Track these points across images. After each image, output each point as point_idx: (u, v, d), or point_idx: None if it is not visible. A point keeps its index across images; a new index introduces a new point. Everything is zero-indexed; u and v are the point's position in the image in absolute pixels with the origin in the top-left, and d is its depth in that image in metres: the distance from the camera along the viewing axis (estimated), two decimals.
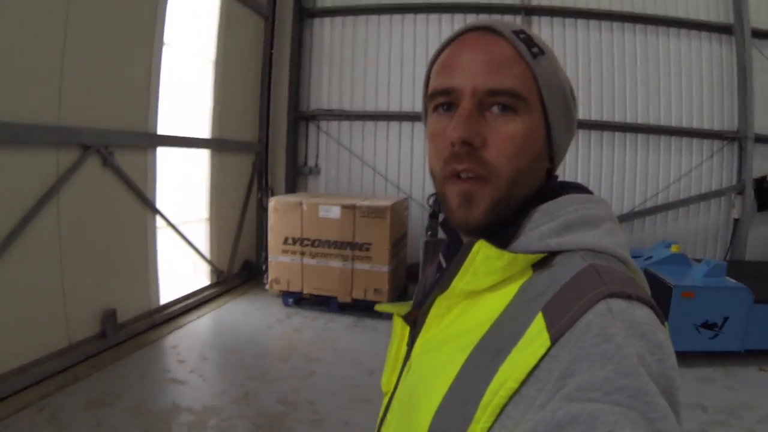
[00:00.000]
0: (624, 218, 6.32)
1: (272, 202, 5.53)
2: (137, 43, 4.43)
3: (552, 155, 0.65)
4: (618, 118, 6.34)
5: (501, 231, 0.61)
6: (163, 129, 4.88)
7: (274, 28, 6.93)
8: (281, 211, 5.41)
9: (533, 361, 0.48)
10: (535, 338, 0.49)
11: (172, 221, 5.13)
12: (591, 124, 6.32)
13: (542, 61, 0.61)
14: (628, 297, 0.50)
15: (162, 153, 4.91)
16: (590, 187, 0.77)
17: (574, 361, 0.46)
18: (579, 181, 0.78)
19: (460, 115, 0.60)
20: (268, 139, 7.11)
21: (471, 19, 5.39)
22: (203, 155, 5.91)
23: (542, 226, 0.59)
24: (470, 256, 0.57)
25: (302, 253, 5.33)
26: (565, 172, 6.37)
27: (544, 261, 0.58)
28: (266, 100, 7.02)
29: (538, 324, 0.50)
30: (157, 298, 4.97)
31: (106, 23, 4.01)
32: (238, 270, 6.54)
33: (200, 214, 5.89)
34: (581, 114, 6.19)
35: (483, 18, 0.82)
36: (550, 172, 0.67)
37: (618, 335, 0.46)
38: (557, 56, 0.65)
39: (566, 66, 6.04)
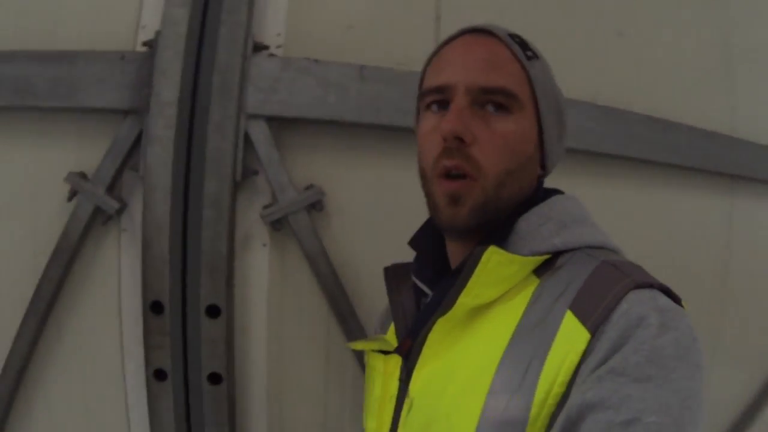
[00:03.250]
0: None
1: None
2: None
3: (543, 162, 0.63)
4: None
5: (494, 236, 0.58)
6: None
7: None
8: None
9: (576, 359, 0.47)
10: (572, 336, 0.48)
11: None
12: None
13: (536, 65, 0.61)
14: (650, 286, 0.50)
15: None
16: None
17: (611, 349, 0.45)
18: None
19: (453, 109, 0.58)
20: None
21: None
22: None
23: (541, 228, 0.57)
24: (481, 264, 0.52)
25: None
26: None
27: (547, 264, 0.56)
28: None
29: (570, 322, 0.49)
30: None
31: None
32: None
33: None
34: None
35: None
36: (540, 180, 0.65)
37: (654, 325, 0.46)
38: None
39: None
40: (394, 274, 0.72)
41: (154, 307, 0.95)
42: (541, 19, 1.15)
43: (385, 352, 0.64)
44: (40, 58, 0.97)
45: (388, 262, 1.03)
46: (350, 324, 1.00)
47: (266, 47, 0.98)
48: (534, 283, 0.55)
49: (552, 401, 0.47)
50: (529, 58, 0.60)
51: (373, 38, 1.02)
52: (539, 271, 0.56)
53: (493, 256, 0.52)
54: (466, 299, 0.54)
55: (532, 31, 1.12)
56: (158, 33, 0.95)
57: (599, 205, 1.15)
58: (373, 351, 0.66)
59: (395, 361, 0.62)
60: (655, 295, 0.49)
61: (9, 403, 1.00)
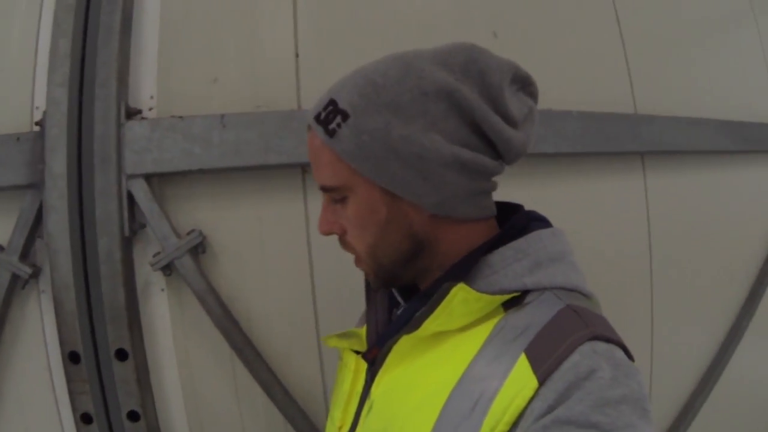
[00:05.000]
0: None
1: None
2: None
3: (422, 204, 0.58)
4: None
5: (463, 270, 0.59)
6: None
7: None
8: None
9: (523, 404, 0.48)
10: (521, 380, 0.49)
11: None
12: None
13: (344, 132, 0.56)
14: (608, 340, 0.51)
15: None
16: None
17: (557, 400, 0.47)
18: None
19: (321, 210, 0.64)
20: None
21: None
22: None
23: (515, 264, 0.58)
24: (447, 299, 0.55)
25: None
26: None
27: (515, 299, 0.57)
28: None
29: (522, 365, 0.50)
30: None
31: None
32: None
33: None
34: None
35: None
36: (443, 216, 0.60)
37: (604, 377, 0.47)
38: None
39: None
40: None
41: (71, 357, 1.06)
42: (407, 29, 1.18)
43: (357, 352, 0.68)
44: None
45: (275, 291, 1.10)
46: (246, 353, 1.08)
47: (139, 111, 1.08)
48: (499, 315, 0.56)
49: None
50: (332, 133, 0.56)
51: (236, 86, 1.10)
52: (507, 304, 0.57)
53: (459, 293, 0.54)
54: (431, 325, 0.56)
55: (398, 43, 1.15)
56: (44, 113, 1.07)
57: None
58: (348, 349, 0.70)
59: (363, 362, 0.67)
60: (611, 349, 0.50)
61: None
